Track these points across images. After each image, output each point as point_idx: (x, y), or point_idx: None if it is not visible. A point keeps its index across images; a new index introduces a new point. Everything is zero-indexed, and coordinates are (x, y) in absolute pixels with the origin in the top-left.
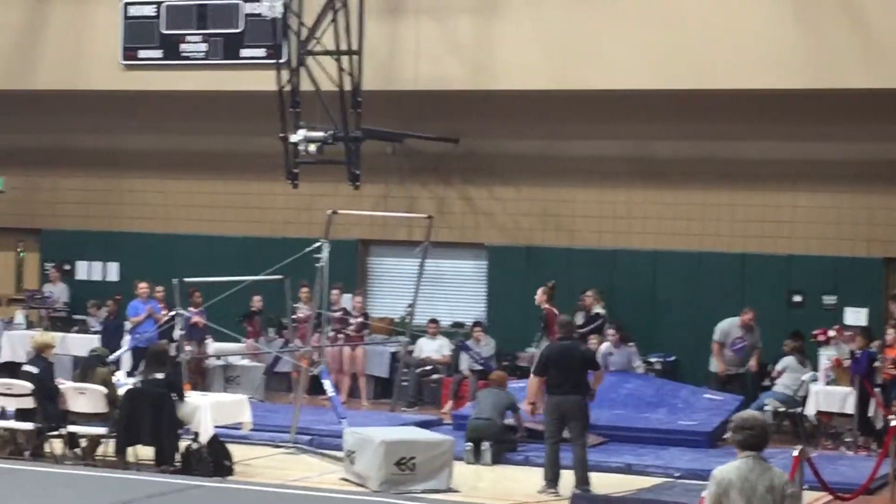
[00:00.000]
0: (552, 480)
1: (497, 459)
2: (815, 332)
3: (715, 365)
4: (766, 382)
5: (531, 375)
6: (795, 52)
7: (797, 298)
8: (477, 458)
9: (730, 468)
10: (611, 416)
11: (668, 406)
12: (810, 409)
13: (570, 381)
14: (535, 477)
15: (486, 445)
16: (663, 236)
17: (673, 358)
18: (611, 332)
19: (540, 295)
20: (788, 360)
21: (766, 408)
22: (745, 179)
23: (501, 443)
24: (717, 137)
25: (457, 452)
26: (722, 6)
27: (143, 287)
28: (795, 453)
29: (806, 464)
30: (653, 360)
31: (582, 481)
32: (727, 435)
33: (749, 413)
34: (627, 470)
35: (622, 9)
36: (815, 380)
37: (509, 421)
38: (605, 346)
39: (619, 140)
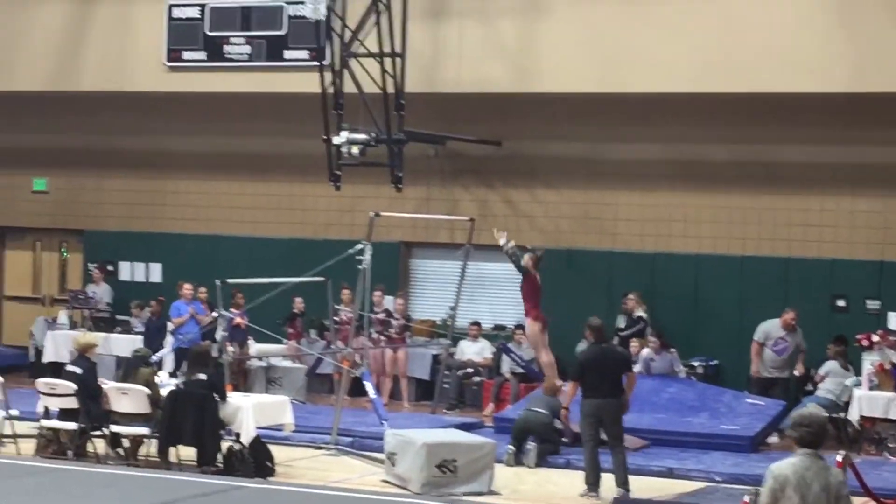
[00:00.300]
0: (593, 484)
1: (540, 462)
2: (858, 336)
3: (755, 367)
4: (809, 387)
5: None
6: (839, 55)
7: (841, 303)
8: (518, 460)
9: (786, 464)
10: (652, 419)
11: (710, 410)
12: (853, 415)
13: (608, 384)
14: (576, 480)
15: (531, 445)
16: (705, 240)
17: (715, 362)
18: (652, 338)
19: (527, 259)
20: (831, 365)
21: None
22: (788, 183)
23: (546, 441)
24: (760, 141)
25: (498, 455)
26: (766, 9)
27: (187, 288)
28: (839, 458)
29: (849, 469)
30: (695, 364)
31: (623, 483)
32: (786, 431)
33: (808, 410)
34: (669, 474)
35: (665, 12)
36: (858, 385)
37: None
38: (646, 351)
39: (662, 143)
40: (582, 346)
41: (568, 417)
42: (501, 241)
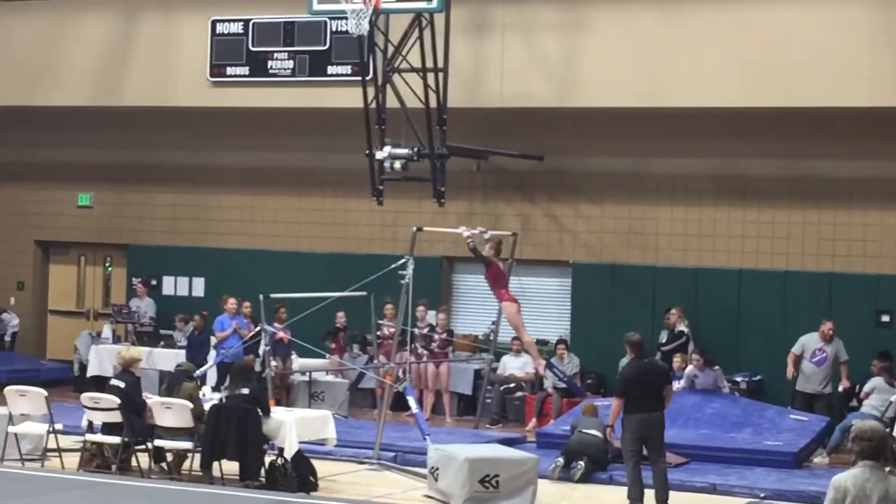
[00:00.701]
0: (637, 499)
1: (585, 479)
2: None
3: (790, 373)
4: (854, 403)
5: (614, 398)
6: (885, 70)
7: (885, 318)
8: (562, 474)
9: (847, 476)
10: (696, 435)
11: (754, 426)
12: None
13: (652, 399)
14: (619, 496)
15: (580, 464)
16: (749, 254)
17: (758, 377)
18: (695, 355)
19: (487, 248)
20: (877, 381)
21: (853, 429)
22: (832, 197)
23: (598, 462)
24: (805, 155)
25: (541, 470)
26: (811, 24)
27: (231, 302)
28: None
29: None
30: (738, 379)
31: (664, 501)
32: (848, 445)
33: (869, 424)
34: (712, 490)
35: (710, 26)
36: None
37: None
38: (690, 368)
39: (705, 158)
40: (625, 361)
41: (612, 435)
42: (465, 234)
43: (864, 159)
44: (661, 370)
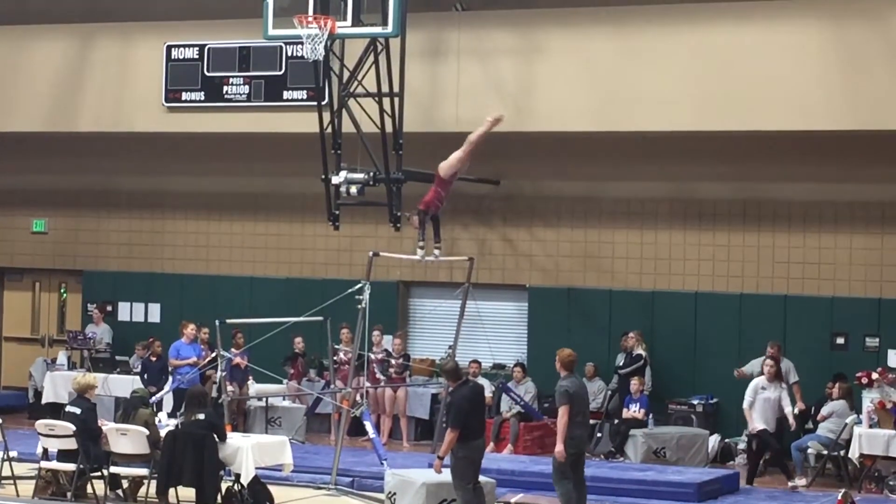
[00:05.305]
0: None
1: None
2: (858, 374)
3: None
4: (809, 425)
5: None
6: (839, 93)
7: (840, 340)
8: None
9: None
10: (595, 468)
11: (656, 470)
12: (854, 452)
13: (482, 423)
14: None
15: None
16: (704, 278)
17: (714, 400)
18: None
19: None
20: (836, 405)
21: (809, 451)
22: (787, 221)
23: None
24: (760, 179)
25: (497, 494)
26: (765, 47)
27: (191, 328)
28: (839, 497)
29: None
30: (694, 402)
31: None
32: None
33: None
34: None
35: (664, 50)
36: (858, 422)
37: None
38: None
39: (661, 181)
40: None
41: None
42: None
43: (818, 182)
44: (482, 391)
